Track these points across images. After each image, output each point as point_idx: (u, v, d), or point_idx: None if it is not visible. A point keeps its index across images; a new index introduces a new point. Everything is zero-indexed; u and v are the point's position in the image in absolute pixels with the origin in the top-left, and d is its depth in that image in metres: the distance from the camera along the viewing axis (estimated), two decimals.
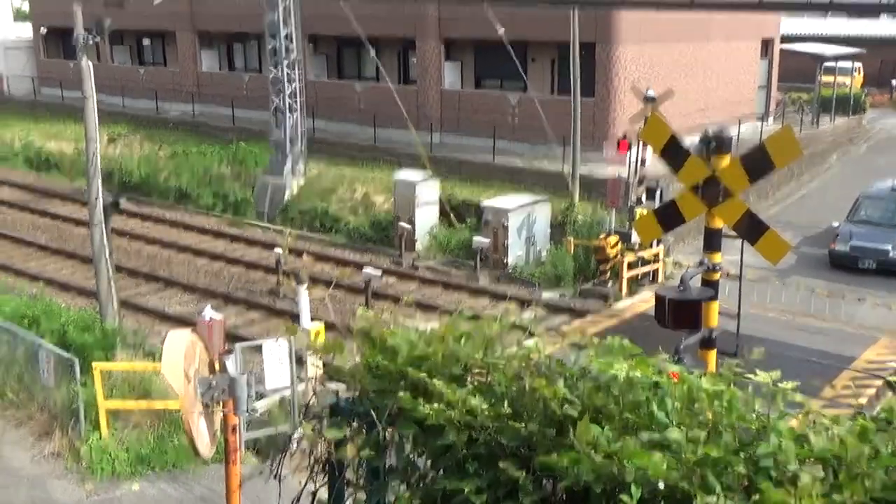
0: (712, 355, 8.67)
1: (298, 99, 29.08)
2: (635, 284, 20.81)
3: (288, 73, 28.70)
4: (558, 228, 23.61)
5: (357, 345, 4.04)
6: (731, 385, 3.27)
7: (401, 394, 3.47)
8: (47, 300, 16.15)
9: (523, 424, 3.22)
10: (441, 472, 3.51)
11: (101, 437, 11.80)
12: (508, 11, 26.44)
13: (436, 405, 3.31)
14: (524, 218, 22.82)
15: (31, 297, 17.20)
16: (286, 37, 28.43)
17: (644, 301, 18.14)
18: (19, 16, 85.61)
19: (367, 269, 20.44)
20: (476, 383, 3.58)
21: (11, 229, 27.35)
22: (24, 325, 13.50)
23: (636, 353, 3.54)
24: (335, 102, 33.04)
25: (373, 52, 29.47)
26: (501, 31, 24.86)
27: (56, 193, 32.00)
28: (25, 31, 51.17)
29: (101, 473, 11.44)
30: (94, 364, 11.95)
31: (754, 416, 3.15)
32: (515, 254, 22.63)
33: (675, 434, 2.97)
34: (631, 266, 20.62)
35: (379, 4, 29.54)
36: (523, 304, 20.10)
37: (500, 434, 3.28)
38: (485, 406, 3.27)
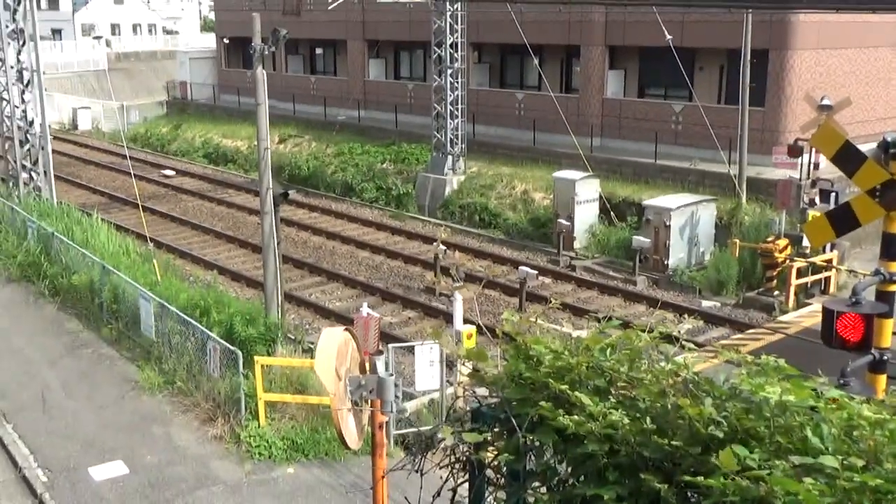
0: (882, 380, 8.10)
1: (460, 106, 29.53)
2: (804, 294, 19.79)
3: (451, 82, 29.19)
4: (723, 230, 22.87)
5: (502, 350, 4.05)
6: None
7: (542, 403, 3.44)
8: (218, 289, 17.05)
9: (667, 440, 3.12)
10: (581, 478, 3.47)
11: (259, 426, 12.37)
12: (678, 17, 25.81)
13: (576, 417, 3.26)
14: (687, 218, 22.23)
15: (206, 285, 18.21)
16: (451, 45, 28.91)
17: (812, 315, 17.19)
18: (206, 27, 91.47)
19: (523, 268, 20.46)
20: (620, 397, 3.50)
21: (192, 216, 29.38)
22: (195, 315, 14.31)
23: (792, 374, 3.36)
24: (496, 110, 33.31)
25: (536, 61, 29.55)
26: (669, 38, 24.31)
27: (231, 184, 34.21)
28: (210, 41, 54.55)
29: (259, 457, 12.01)
30: (256, 358, 12.53)
31: None
32: (677, 255, 22.07)
33: (829, 460, 2.80)
34: (801, 273, 19.57)
35: (544, 10, 29.52)
36: (681, 313, 19.56)
37: (642, 448, 3.20)
38: (626, 421, 3.19)
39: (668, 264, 22.01)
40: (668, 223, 21.88)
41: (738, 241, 20.99)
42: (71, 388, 14.19)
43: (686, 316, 19.30)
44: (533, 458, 3.67)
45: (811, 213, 19.05)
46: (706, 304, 20.44)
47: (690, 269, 22.08)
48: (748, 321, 19.08)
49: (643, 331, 3.81)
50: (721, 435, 3.02)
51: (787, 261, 19.58)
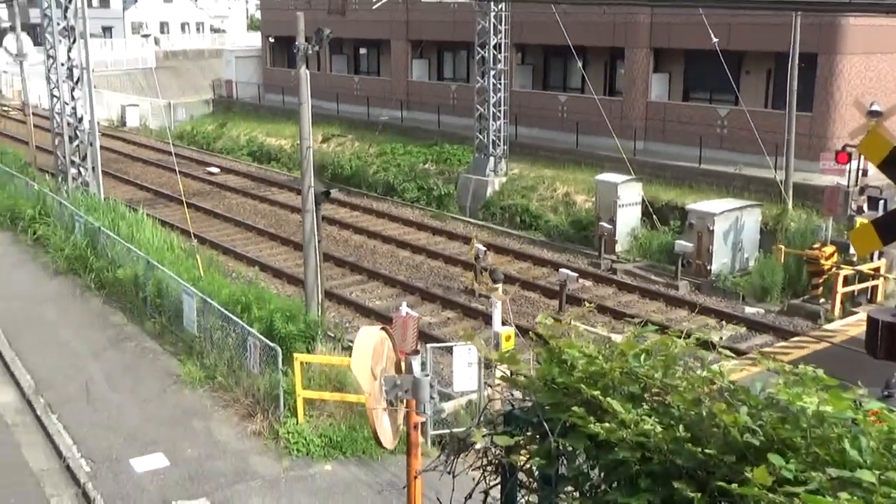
0: None
1: (503, 108, 29.51)
2: (850, 303, 19.47)
3: (494, 84, 29.19)
4: (768, 236, 22.61)
5: (535, 354, 4.04)
6: None
7: (574, 408, 3.43)
8: (260, 286, 17.21)
9: (701, 448, 3.09)
10: (613, 484, 3.45)
11: (297, 422, 12.47)
12: (725, 20, 25.51)
13: (607, 424, 3.25)
14: (731, 223, 21.99)
15: (247, 281, 18.40)
16: (495, 46, 28.89)
17: (859, 323, 16.88)
18: (252, 26, 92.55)
19: (564, 271, 20.37)
20: (653, 404, 3.48)
21: (236, 213, 29.77)
22: (236, 311, 14.46)
23: (831, 384, 3.31)
24: (538, 111, 33.22)
25: (579, 63, 29.42)
26: (716, 40, 24.05)
27: (274, 182, 34.58)
28: (256, 40, 55.13)
29: (297, 453, 12.10)
30: (295, 355, 12.63)
31: None
32: (720, 260, 21.85)
33: (867, 475, 2.75)
34: (847, 281, 19.25)
35: (589, 12, 29.36)
36: (723, 319, 19.36)
37: (675, 455, 3.18)
38: (659, 430, 3.17)
39: (711, 269, 21.78)
40: (711, 228, 21.66)
41: (783, 247, 20.70)
42: (115, 380, 14.43)
43: (724, 322, 19.10)
44: (565, 462, 3.66)
45: (859, 220, 18.72)
46: (749, 310, 20.19)
47: (734, 274, 21.83)
48: (793, 329, 18.81)
49: (679, 336, 3.78)
50: (756, 443, 2.98)
51: (834, 268, 19.26)
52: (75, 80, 23.23)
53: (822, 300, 19.61)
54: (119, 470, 11.67)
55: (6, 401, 13.91)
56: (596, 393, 3.41)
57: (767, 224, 22.95)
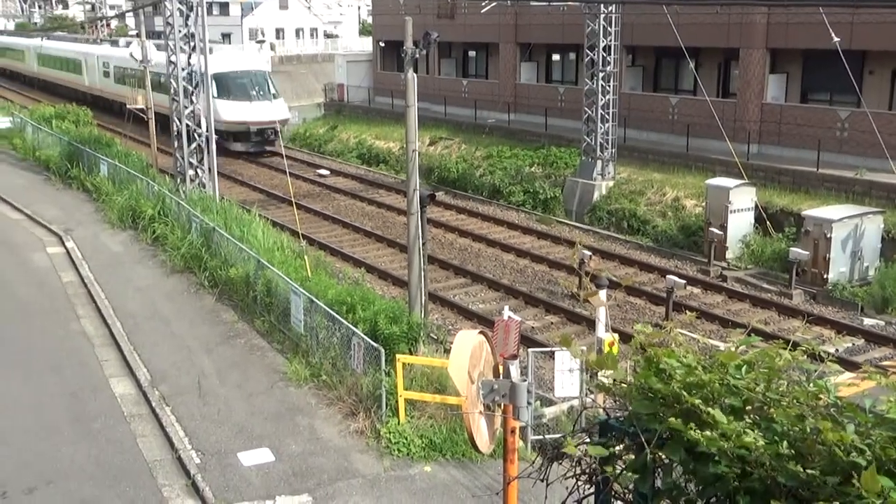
0: None
1: (611, 110, 29.11)
2: None
3: (603, 86, 28.82)
4: (891, 244, 21.66)
5: (633, 362, 3.95)
6: None
7: (672, 419, 3.33)
8: (365, 287, 17.45)
9: (802, 467, 2.96)
10: (711, 500, 3.34)
11: (399, 423, 12.59)
12: (846, 18, 24.46)
13: (709, 433, 3.14)
14: (850, 230, 21.09)
15: (353, 282, 18.72)
16: (604, 48, 28.53)
17: None
18: (364, 31, 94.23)
19: (671, 277, 19.93)
20: (755, 418, 3.34)
21: (343, 215, 30.29)
22: (342, 311, 14.72)
23: None
24: (648, 114, 32.63)
25: (691, 65, 28.76)
26: (837, 40, 23.09)
27: (382, 184, 35.06)
28: (367, 45, 56.08)
29: (398, 454, 12.23)
30: (397, 356, 12.77)
31: None
32: (838, 269, 20.98)
33: None
34: None
35: (702, 13, 28.66)
36: (840, 330, 18.57)
37: (776, 473, 3.04)
38: (761, 443, 3.04)
39: (827, 278, 20.92)
40: (829, 235, 20.81)
41: None
42: (224, 375, 14.91)
43: (835, 334, 18.30)
44: (660, 475, 3.56)
45: None
46: (868, 321, 19.30)
47: (852, 284, 20.92)
48: None
49: (784, 348, 3.64)
50: (863, 464, 2.83)
51: None
52: (194, 84, 24.12)
53: None
54: (227, 463, 12.04)
55: (124, 392, 14.55)
56: (697, 402, 3.31)
57: (890, 232, 21.92)
